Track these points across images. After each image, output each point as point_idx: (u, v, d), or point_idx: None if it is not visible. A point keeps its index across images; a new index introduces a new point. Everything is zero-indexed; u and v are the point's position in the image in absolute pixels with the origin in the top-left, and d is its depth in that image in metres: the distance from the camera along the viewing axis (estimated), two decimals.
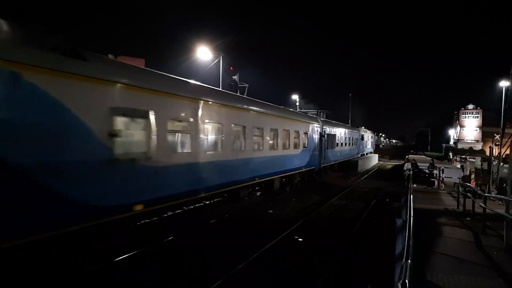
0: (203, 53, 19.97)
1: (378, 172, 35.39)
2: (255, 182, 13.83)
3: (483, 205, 9.46)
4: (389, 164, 47.31)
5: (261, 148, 14.19)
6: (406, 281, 3.64)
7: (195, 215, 11.15)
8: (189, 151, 9.67)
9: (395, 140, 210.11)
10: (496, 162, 18.17)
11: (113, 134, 7.05)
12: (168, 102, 8.87)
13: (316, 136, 21.91)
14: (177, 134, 9.31)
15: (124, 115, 7.39)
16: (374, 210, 14.81)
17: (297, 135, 18.33)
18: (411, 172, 20.36)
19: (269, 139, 14.93)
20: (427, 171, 20.78)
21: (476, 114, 70.98)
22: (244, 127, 12.74)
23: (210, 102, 10.65)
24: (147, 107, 8.04)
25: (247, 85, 22.16)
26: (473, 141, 67.96)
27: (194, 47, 19.98)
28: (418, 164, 22.23)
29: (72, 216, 6.31)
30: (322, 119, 26.05)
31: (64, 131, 6.19)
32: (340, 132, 29.21)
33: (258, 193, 15.47)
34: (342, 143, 30.11)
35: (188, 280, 6.99)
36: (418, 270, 6.25)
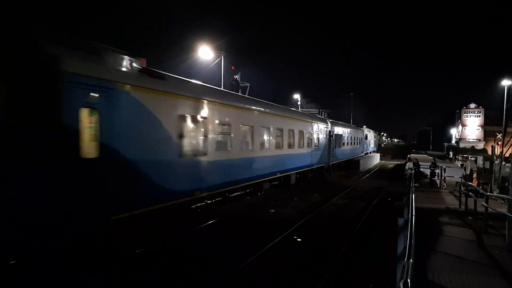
0: (204, 53, 19.94)
1: (380, 171, 35.34)
2: (276, 176, 15.80)
3: (485, 204, 9.41)
4: (391, 163, 47.17)
5: (281, 147, 15.97)
6: (408, 280, 3.59)
7: (195, 215, 11.12)
8: (229, 149, 11.57)
9: (396, 139, 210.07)
10: (498, 161, 18.06)
11: (181, 135, 9.11)
12: (216, 109, 10.74)
13: (325, 136, 23.47)
14: (222, 135, 11.21)
15: (187, 120, 9.38)
16: (375, 209, 14.75)
17: (310, 135, 20.05)
18: (413, 171, 20.29)
19: (287, 139, 16.60)
20: (429, 170, 20.71)
21: (478, 113, 70.76)
22: (269, 128, 14.66)
23: (245, 108, 12.86)
24: (202, 114, 10.02)
25: (248, 84, 22.25)
26: (475, 140, 67.74)
27: (195, 47, 19.99)
28: (420, 163, 22.15)
29: (164, 196, 8.55)
30: (330, 120, 27.35)
31: (156, 134, 8.18)
32: (346, 132, 30.77)
33: (260, 193, 15.46)
34: (348, 143, 31.64)
35: (188, 280, 6.96)
36: (420, 269, 6.21)
